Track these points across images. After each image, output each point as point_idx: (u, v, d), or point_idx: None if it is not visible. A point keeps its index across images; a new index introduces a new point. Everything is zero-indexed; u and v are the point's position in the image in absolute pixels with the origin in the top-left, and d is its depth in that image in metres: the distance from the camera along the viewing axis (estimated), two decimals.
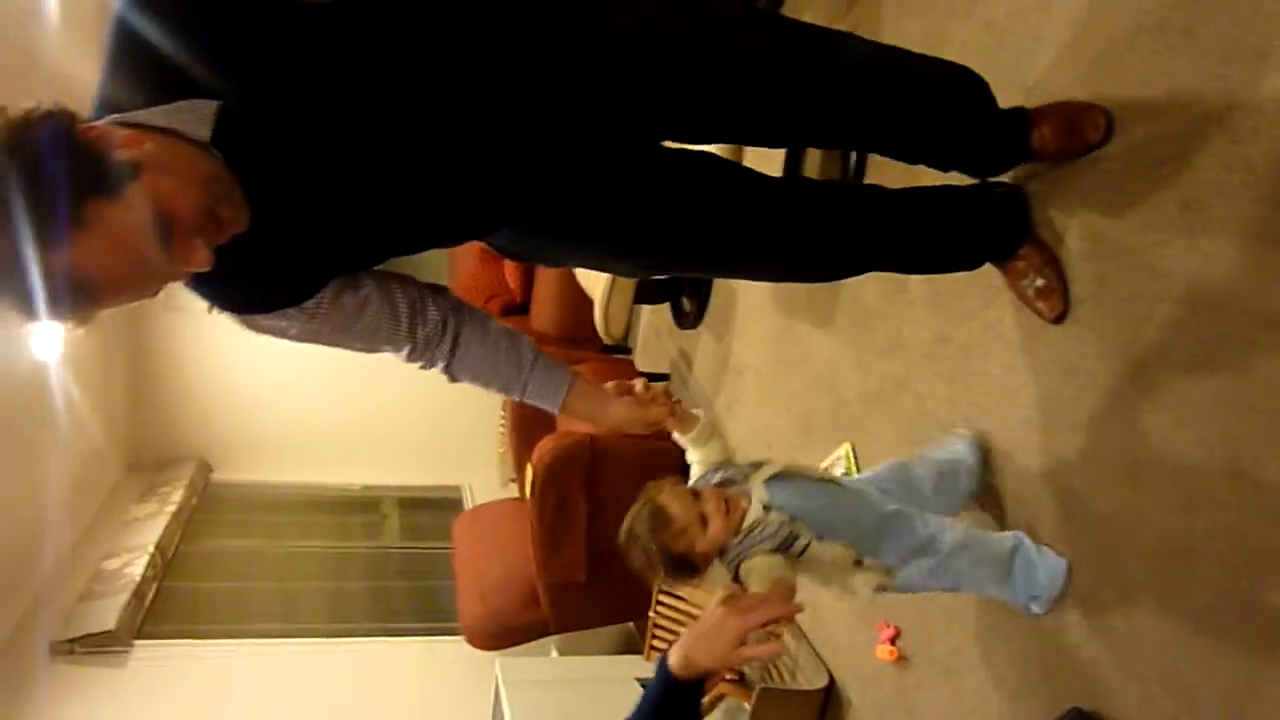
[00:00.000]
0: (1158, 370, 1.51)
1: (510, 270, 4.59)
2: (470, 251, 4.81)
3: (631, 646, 3.96)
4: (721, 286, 3.55)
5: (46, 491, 4.18)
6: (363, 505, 5.69)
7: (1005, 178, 1.76)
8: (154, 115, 1.05)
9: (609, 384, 1.48)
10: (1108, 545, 1.60)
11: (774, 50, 1.39)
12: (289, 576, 4.97)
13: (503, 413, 4.62)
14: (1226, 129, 1.40)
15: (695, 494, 1.42)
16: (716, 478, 1.52)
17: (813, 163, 2.65)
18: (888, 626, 2.25)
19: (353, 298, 1.31)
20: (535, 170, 1.34)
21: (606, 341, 4.33)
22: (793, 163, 2.66)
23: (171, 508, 4.89)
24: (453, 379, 1.45)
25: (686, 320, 3.76)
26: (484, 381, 1.44)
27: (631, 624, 4.00)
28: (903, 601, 2.20)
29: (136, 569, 4.35)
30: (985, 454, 1.87)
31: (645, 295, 3.78)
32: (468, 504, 5.51)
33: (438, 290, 1.42)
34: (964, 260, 1.76)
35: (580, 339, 4.32)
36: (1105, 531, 1.60)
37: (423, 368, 1.43)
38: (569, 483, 3.30)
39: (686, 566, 1.40)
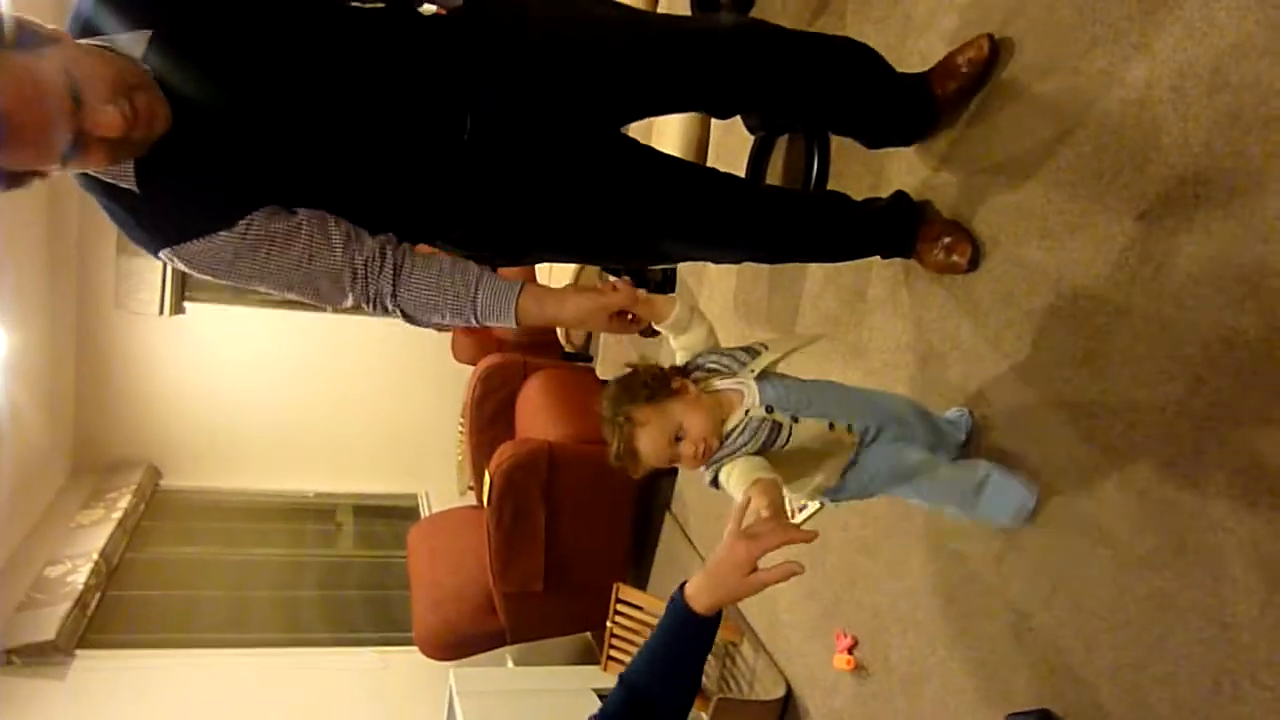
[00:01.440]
0: (1116, 374, 1.52)
1: None
2: None
3: (589, 657, 3.93)
4: (683, 294, 3.54)
5: None
6: (317, 513, 5.59)
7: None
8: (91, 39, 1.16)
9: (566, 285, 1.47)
10: (1068, 553, 1.61)
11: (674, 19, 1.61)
12: (239, 585, 4.87)
13: (461, 419, 4.57)
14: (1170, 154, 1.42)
15: (677, 435, 1.35)
16: (708, 363, 1.46)
17: (774, 175, 2.65)
18: (845, 635, 2.24)
19: (284, 221, 1.32)
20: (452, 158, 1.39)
21: (567, 349, 4.31)
22: (757, 164, 2.65)
23: (118, 514, 4.76)
24: (405, 315, 1.42)
25: (648, 328, 3.75)
26: (434, 306, 1.41)
27: (589, 634, 3.97)
28: (861, 610, 2.20)
29: (80, 577, 4.23)
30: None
31: None
32: (424, 512, 5.44)
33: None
34: (867, 248, 1.94)
35: (540, 345, 4.30)
36: (1064, 549, 1.61)
37: (371, 308, 1.40)
38: (527, 491, 3.26)
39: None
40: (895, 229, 1.90)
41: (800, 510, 2.44)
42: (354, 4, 1.36)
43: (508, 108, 1.40)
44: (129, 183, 1.23)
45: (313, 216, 1.34)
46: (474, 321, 1.42)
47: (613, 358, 4.36)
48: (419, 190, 1.41)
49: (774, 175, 2.69)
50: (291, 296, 1.38)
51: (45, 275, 4.56)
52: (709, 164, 2.68)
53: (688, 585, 1.13)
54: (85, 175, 1.24)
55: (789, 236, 1.80)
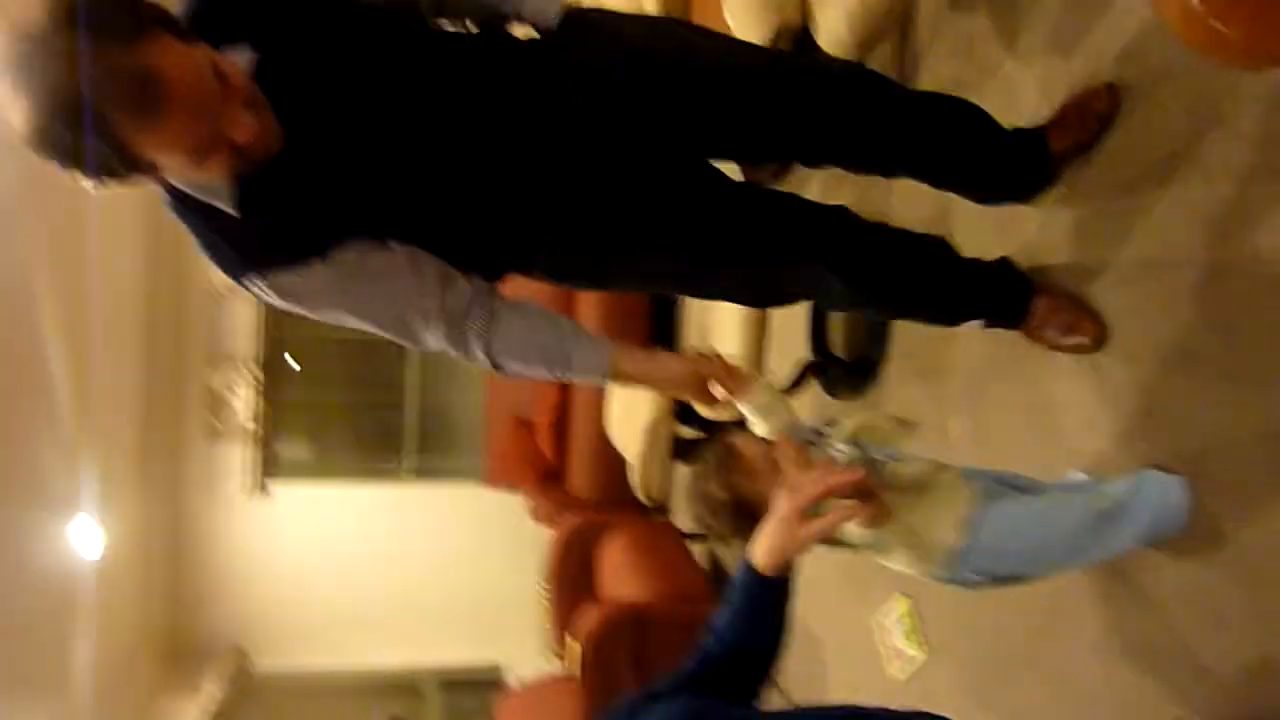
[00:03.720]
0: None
1: (545, 437, 4.58)
2: (503, 422, 4.82)
3: None
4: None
5: (85, 694, 4.07)
6: (403, 689, 5.49)
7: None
8: None
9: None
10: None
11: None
12: None
13: (544, 583, 4.51)
14: None
15: (769, 444, 1.30)
16: (793, 438, 1.38)
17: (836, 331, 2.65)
18: None
19: (380, 256, 1.30)
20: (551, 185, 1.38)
21: (645, 502, 4.26)
22: (817, 324, 2.65)
23: (209, 703, 4.75)
24: (495, 363, 1.38)
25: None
26: (525, 355, 1.37)
27: None
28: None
29: None
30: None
31: (681, 453, 3.73)
32: (511, 682, 5.30)
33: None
34: (972, 309, 1.76)
35: (618, 501, 4.25)
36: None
37: (456, 350, 1.37)
38: (616, 658, 3.16)
39: (750, 518, 1.25)
40: (1005, 293, 1.75)
41: (901, 658, 2.31)
42: (450, 30, 1.40)
43: (597, 131, 1.38)
44: (227, 204, 1.21)
45: (408, 254, 1.31)
46: (565, 373, 1.38)
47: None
48: (513, 212, 1.39)
49: (836, 317, 2.68)
50: (376, 332, 1.35)
51: (141, 471, 4.73)
52: (767, 339, 2.71)
53: (749, 551, 1.12)
54: (179, 197, 1.23)
55: (889, 270, 1.67)
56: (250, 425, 5.04)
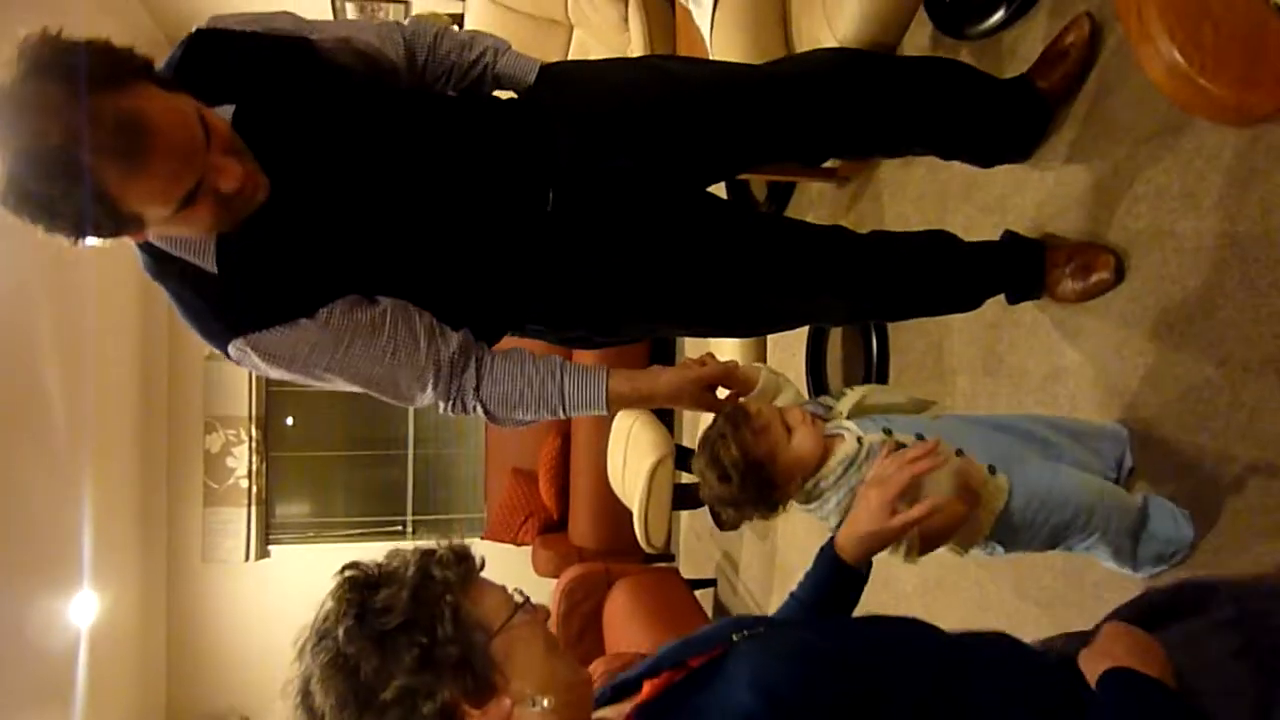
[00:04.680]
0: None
1: (545, 487, 4.57)
2: (503, 474, 4.80)
3: None
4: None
5: None
6: None
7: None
8: None
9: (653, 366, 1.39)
10: None
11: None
12: None
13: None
14: None
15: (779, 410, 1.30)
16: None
17: (834, 357, 2.67)
18: None
19: (367, 312, 1.26)
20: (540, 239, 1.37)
21: (648, 550, 4.24)
22: (815, 346, 2.67)
23: None
24: (489, 412, 1.35)
25: (732, 521, 3.68)
26: (519, 399, 1.34)
27: None
28: None
29: None
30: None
31: (683, 501, 3.73)
32: None
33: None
34: (989, 288, 1.75)
35: (621, 550, 4.24)
36: None
37: (451, 407, 1.34)
38: None
39: (766, 485, 1.23)
40: (1018, 264, 1.75)
41: None
42: (432, 91, 1.41)
43: (589, 172, 1.37)
44: (208, 263, 1.18)
45: (396, 308, 1.28)
46: (562, 412, 1.35)
47: (695, 555, 4.27)
48: (507, 268, 1.37)
49: (833, 357, 2.70)
50: (366, 392, 1.31)
51: (138, 536, 4.69)
52: (768, 358, 2.72)
53: (837, 535, 1.12)
54: (160, 261, 1.20)
55: (899, 280, 1.65)
56: (248, 486, 5.01)
